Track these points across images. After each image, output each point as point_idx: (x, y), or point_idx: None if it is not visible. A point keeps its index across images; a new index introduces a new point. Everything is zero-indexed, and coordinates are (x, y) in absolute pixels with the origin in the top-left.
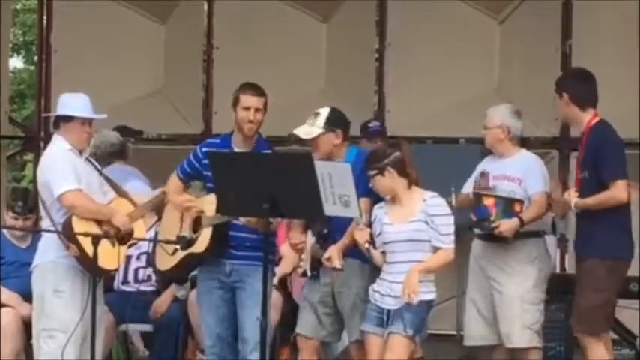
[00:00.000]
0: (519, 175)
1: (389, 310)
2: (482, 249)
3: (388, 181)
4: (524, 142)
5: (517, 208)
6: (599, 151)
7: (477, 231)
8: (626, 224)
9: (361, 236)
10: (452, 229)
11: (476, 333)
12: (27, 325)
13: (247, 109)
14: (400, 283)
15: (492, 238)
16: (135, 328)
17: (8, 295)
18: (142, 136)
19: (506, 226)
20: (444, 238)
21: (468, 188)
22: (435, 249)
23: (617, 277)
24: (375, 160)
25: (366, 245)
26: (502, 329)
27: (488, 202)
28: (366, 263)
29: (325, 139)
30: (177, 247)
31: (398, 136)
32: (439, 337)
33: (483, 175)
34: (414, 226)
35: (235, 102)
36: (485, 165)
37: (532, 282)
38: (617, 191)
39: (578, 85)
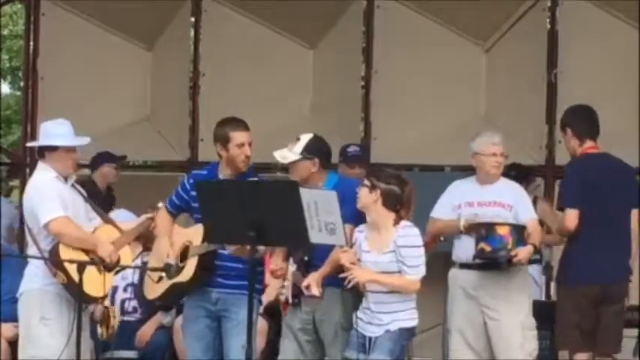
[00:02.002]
0: (510, 201)
1: (370, 338)
2: (475, 278)
3: (370, 200)
4: (526, 170)
5: (525, 234)
6: None
7: (458, 261)
8: (586, 252)
9: (347, 258)
10: (419, 260)
11: None
12: (12, 349)
13: (242, 145)
14: (378, 313)
15: (486, 266)
16: (120, 355)
17: None
18: (126, 161)
19: (524, 253)
20: (408, 270)
21: (440, 214)
22: None
23: (575, 301)
24: (375, 175)
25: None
26: (501, 357)
27: (502, 231)
28: (347, 291)
29: (301, 166)
30: (163, 275)
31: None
32: None
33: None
34: (387, 258)
35: (225, 140)
36: (464, 190)
37: (527, 309)
38: (564, 219)
39: (578, 121)
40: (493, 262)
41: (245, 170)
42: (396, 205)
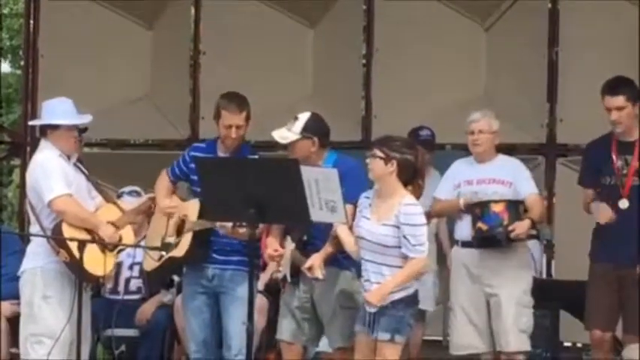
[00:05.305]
0: (509, 178)
1: (370, 314)
2: (476, 257)
3: (386, 172)
4: (512, 148)
5: (522, 209)
6: None
7: (461, 239)
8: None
9: (342, 229)
10: (422, 238)
11: (465, 341)
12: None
13: (229, 127)
14: (369, 282)
15: (486, 244)
16: (120, 333)
17: None
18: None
19: (522, 228)
20: (412, 248)
21: (442, 194)
22: (405, 257)
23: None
24: (387, 145)
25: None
26: (500, 333)
27: (497, 208)
28: (344, 270)
29: (301, 145)
30: (163, 253)
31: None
32: (425, 342)
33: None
34: (383, 230)
35: (217, 114)
36: (463, 169)
37: (525, 285)
38: None
39: None
40: (492, 240)
41: (231, 147)
42: (412, 174)
